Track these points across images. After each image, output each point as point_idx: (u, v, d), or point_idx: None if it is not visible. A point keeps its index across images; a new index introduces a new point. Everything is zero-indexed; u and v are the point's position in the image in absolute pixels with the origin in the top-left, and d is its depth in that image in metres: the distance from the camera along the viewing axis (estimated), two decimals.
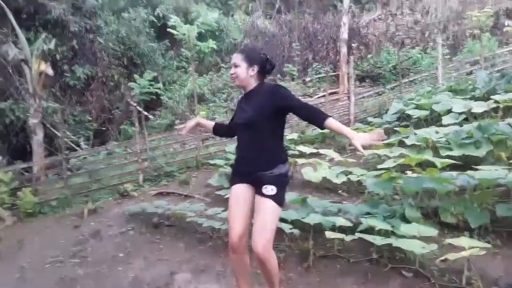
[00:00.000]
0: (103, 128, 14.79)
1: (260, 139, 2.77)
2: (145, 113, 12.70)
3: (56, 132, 11.89)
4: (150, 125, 13.90)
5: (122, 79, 14.99)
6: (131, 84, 9.07)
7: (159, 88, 9.87)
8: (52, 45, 10.65)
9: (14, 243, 5.58)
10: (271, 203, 2.67)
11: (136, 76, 9.34)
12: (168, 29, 9.54)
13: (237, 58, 2.85)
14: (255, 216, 2.71)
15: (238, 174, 2.88)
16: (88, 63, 14.40)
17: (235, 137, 2.99)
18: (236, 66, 2.83)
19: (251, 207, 2.78)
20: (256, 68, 2.83)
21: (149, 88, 8.88)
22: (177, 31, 8.98)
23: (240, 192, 2.81)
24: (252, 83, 2.86)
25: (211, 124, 3.23)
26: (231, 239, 2.75)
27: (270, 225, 2.64)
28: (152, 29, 16.84)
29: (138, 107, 9.66)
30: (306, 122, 3.10)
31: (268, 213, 2.66)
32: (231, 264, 2.90)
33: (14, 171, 7.74)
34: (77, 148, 12.13)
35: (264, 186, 2.69)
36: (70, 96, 14.41)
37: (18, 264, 4.80)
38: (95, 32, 14.82)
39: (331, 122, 2.60)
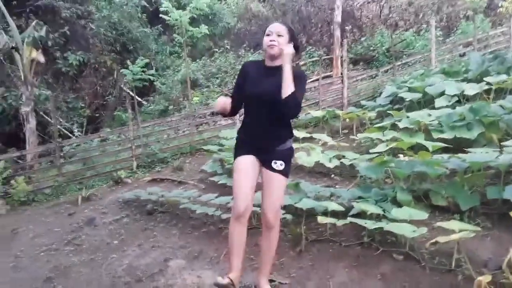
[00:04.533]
0: (97, 115, 14.72)
1: (277, 114, 2.76)
2: (139, 99, 12.64)
3: (49, 119, 11.84)
4: (144, 111, 13.84)
5: (115, 65, 14.85)
6: (124, 71, 9.00)
7: (152, 75, 9.81)
8: (43, 32, 10.54)
9: (8, 232, 5.59)
10: (280, 177, 2.84)
11: (128, 62, 9.28)
12: (160, 14, 9.46)
13: (280, 28, 2.82)
14: (265, 189, 2.86)
15: (247, 146, 2.87)
16: (80, 49, 14.22)
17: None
18: (279, 35, 2.78)
19: (256, 179, 2.86)
20: (291, 45, 2.81)
21: (141, 74, 8.82)
22: (169, 16, 8.91)
23: (249, 162, 2.83)
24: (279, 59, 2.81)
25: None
26: (238, 208, 2.75)
27: (280, 198, 2.91)
28: (145, 14, 16.62)
29: (131, 93, 9.61)
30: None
31: (278, 187, 2.85)
32: (231, 236, 2.80)
33: (7, 160, 7.73)
34: (71, 135, 12.09)
35: (273, 161, 2.82)
36: (62, 83, 14.31)
37: (12, 252, 4.82)
38: (86, 18, 14.64)
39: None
